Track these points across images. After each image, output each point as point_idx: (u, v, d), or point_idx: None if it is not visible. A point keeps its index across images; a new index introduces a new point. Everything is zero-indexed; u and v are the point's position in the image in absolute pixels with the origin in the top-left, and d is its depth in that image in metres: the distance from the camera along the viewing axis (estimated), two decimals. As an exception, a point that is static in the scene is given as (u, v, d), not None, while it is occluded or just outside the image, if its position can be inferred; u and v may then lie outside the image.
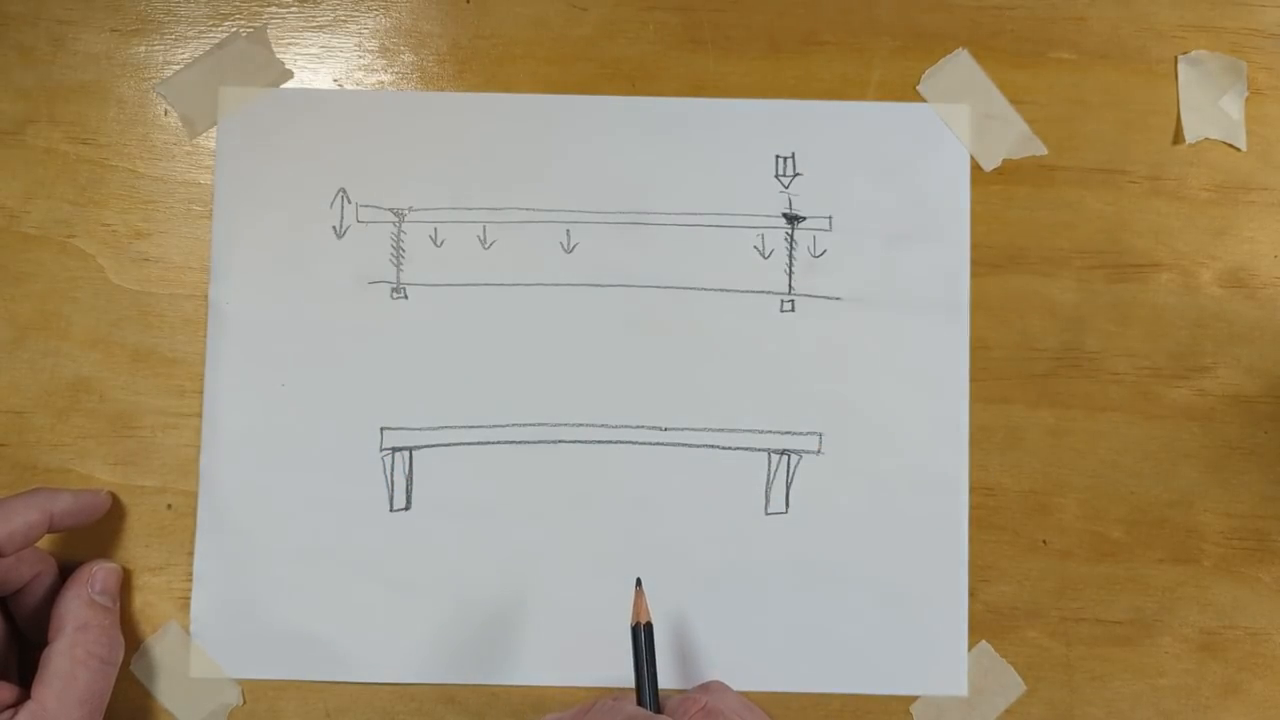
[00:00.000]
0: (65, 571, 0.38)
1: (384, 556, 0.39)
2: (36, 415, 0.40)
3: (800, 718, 0.39)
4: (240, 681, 0.39)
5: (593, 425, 0.40)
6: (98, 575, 0.38)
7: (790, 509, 0.40)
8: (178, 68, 0.41)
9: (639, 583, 0.37)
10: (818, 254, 0.41)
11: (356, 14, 0.42)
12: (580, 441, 0.40)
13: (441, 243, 0.40)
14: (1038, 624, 0.40)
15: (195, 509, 0.40)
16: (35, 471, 0.40)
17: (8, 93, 0.41)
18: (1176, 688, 0.40)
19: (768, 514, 0.40)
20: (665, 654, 0.39)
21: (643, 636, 0.36)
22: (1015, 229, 0.41)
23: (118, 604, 0.38)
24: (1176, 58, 0.42)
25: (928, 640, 0.39)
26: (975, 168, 0.41)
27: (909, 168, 0.41)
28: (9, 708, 0.35)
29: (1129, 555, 0.40)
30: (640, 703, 0.35)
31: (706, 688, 0.36)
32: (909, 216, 0.41)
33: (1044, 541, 0.40)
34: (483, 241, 0.40)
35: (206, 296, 0.40)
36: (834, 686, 0.39)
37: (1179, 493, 0.40)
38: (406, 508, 0.40)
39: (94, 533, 0.40)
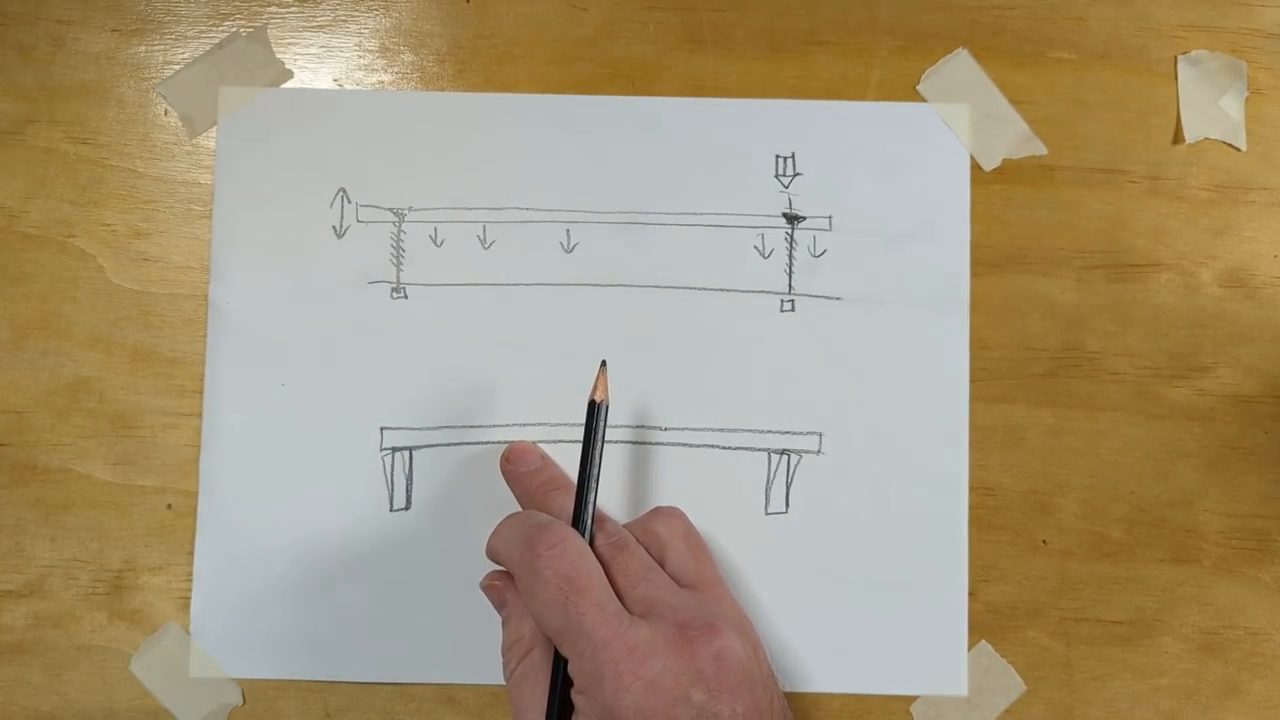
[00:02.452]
0: None
1: (384, 556, 0.39)
2: (36, 415, 0.40)
3: (801, 718, 0.39)
4: (240, 681, 0.39)
5: (593, 425, 0.40)
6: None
7: (790, 509, 0.40)
8: (178, 68, 0.41)
9: (604, 364, 0.37)
10: (818, 254, 0.41)
11: (356, 14, 0.42)
12: (580, 441, 0.40)
13: (441, 242, 0.40)
14: (1038, 624, 0.40)
15: (195, 509, 0.40)
16: (35, 471, 0.40)
17: (8, 93, 0.41)
18: (1176, 688, 0.40)
19: (768, 514, 0.40)
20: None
21: (598, 414, 0.36)
22: (1015, 229, 0.41)
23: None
24: (1176, 58, 0.42)
25: (928, 640, 0.39)
26: (975, 168, 0.41)
27: (909, 168, 0.41)
28: None
29: (1129, 555, 0.40)
30: (581, 492, 0.35)
31: (657, 513, 0.37)
32: (909, 216, 0.41)
33: (1044, 541, 0.40)
34: (482, 241, 0.40)
35: (206, 296, 0.40)
36: (834, 686, 0.39)
37: (1179, 493, 0.40)
38: (406, 507, 0.40)
39: (94, 530, 0.40)
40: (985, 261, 0.41)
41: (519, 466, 0.38)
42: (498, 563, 0.36)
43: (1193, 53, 0.42)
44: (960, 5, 0.42)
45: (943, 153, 0.41)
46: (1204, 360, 0.41)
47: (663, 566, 0.35)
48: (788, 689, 0.39)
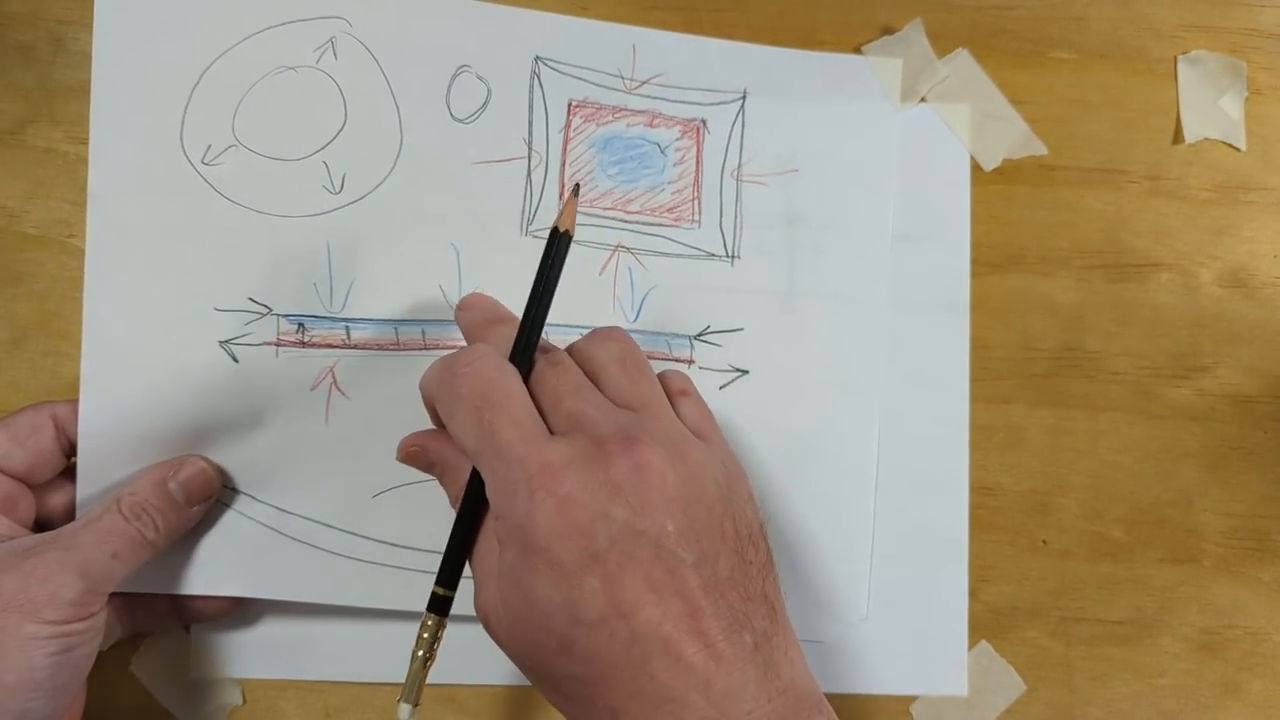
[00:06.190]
0: None
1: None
2: (36, 415, 0.40)
3: (800, 718, 0.39)
4: (240, 681, 0.39)
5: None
6: (184, 468, 0.36)
7: (790, 509, 0.40)
8: (178, 68, 0.41)
9: (575, 190, 0.33)
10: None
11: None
12: None
13: None
14: (1038, 624, 0.40)
15: (195, 509, 0.40)
16: (35, 471, 0.40)
17: (8, 93, 0.41)
18: (1176, 688, 0.40)
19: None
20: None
21: (559, 243, 0.32)
22: (1015, 229, 0.41)
23: (193, 509, 0.37)
24: (1176, 58, 0.42)
25: (928, 640, 0.39)
26: (975, 168, 0.41)
27: (909, 168, 0.41)
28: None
29: (1129, 555, 0.40)
30: (526, 320, 0.32)
31: (593, 335, 0.33)
32: (909, 216, 0.41)
33: (1044, 541, 0.40)
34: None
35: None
36: (834, 686, 0.39)
37: (1179, 493, 0.41)
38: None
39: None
40: (985, 261, 0.41)
41: (469, 310, 0.35)
42: (428, 401, 0.33)
43: (1193, 53, 0.42)
44: (960, 5, 0.42)
45: (943, 153, 0.41)
46: (1204, 360, 0.41)
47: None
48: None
